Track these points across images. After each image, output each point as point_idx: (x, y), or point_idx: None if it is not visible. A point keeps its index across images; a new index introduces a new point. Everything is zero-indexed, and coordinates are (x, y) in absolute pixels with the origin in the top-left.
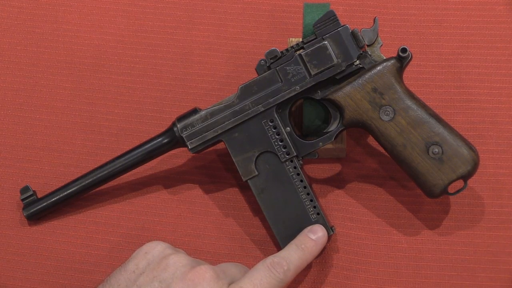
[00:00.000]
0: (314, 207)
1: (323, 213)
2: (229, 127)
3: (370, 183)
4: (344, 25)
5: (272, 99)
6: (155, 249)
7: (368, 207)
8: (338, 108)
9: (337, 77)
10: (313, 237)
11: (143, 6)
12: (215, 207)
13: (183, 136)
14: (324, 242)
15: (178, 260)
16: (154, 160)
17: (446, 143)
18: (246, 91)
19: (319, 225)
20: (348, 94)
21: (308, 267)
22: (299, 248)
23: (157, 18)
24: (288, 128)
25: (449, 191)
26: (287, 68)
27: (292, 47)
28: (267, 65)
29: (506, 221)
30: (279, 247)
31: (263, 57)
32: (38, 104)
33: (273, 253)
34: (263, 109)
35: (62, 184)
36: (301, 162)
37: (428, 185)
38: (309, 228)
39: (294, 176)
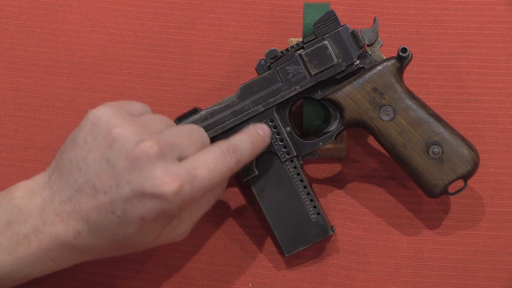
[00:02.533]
0: (314, 207)
1: (323, 213)
2: (229, 127)
3: (370, 183)
4: (344, 25)
5: (272, 99)
6: (101, 118)
7: (368, 207)
8: (338, 108)
9: (337, 77)
10: (262, 134)
11: (143, 6)
12: (215, 207)
13: None
14: (267, 144)
15: (123, 134)
16: None
17: (446, 143)
18: (246, 91)
19: (266, 125)
20: (348, 94)
21: (309, 266)
22: (251, 141)
23: (157, 18)
24: (288, 128)
25: (449, 191)
26: (287, 68)
27: (292, 47)
28: (267, 65)
29: (506, 221)
30: (279, 247)
31: (263, 57)
32: (38, 104)
33: (273, 253)
34: (263, 109)
35: None
36: (301, 162)
37: (428, 185)
38: (257, 124)
39: (294, 176)
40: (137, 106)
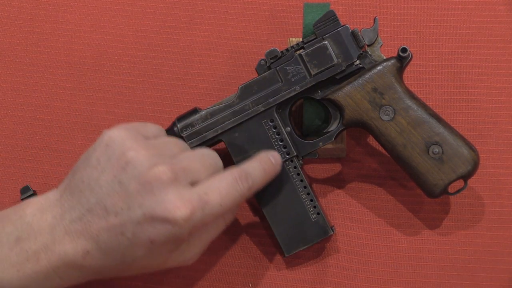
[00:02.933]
0: (314, 207)
1: (323, 213)
2: (229, 127)
3: (370, 183)
4: (344, 25)
5: (272, 99)
6: (115, 141)
7: (368, 207)
8: (338, 108)
9: (337, 77)
10: (273, 161)
11: (143, 6)
12: None
13: (183, 136)
14: (278, 171)
15: (137, 158)
16: None
17: (446, 143)
18: (246, 91)
19: (277, 153)
20: (348, 94)
21: (309, 266)
22: (262, 168)
23: (157, 18)
24: (288, 128)
25: (449, 191)
26: (287, 68)
27: (292, 47)
28: (267, 65)
29: (506, 221)
30: (279, 247)
31: (263, 57)
32: (38, 104)
33: (273, 253)
34: (263, 109)
35: None
36: (301, 162)
37: (428, 185)
38: (269, 151)
39: (294, 176)
40: (152, 129)
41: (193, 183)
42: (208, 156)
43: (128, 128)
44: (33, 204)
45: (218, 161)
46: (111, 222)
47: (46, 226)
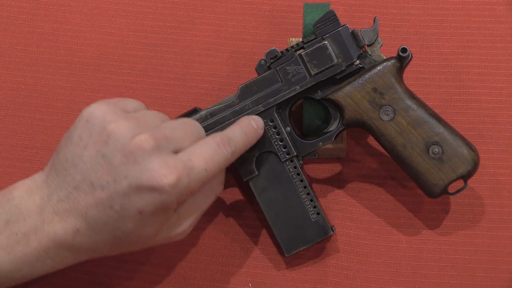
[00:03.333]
0: (314, 207)
1: (323, 213)
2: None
3: (370, 183)
4: (344, 25)
5: (272, 99)
6: (95, 115)
7: (368, 207)
8: (338, 108)
9: (337, 77)
10: (255, 125)
11: (143, 6)
12: (215, 207)
13: None
14: (260, 135)
15: (118, 129)
16: None
17: (446, 143)
18: (246, 91)
19: (259, 117)
20: (348, 94)
21: (309, 266)
22: (244, 133)
23: (157, 18)
24: (288, 128)
25: (449, 191)
26: (287, 68)
27: (292, 47)
28: (267, 65)
29: (506, 221)
30: (279, 247)
31: (263, 57)
32: (38, 104)
33: (273, 253)
34: (263, 109)
35: None
36: (301, 162)
37: (428, 185)
38: (251, 116)
39: (294, 176)
40: (131, 103)
41: (176, 151)
42: (189, 124)
43: (107, 102)
44: (20, 187)
45: (200, 129)
46: (98, 197)
47: (35, 208)
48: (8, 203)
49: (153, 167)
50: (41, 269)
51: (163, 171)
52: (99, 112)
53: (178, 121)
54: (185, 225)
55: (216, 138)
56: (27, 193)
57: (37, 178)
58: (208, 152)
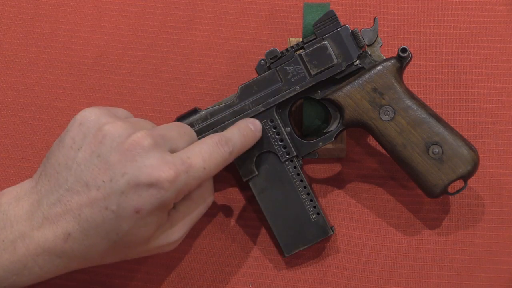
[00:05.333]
0: (314, 207)
1: (323, 213)
2: (229, 127)
3: (370, 183)
4: (344, 25)
5: (272, 99)
6: (89, 118)
7: (368, 207)
8: (338, 108)
9: (337, 77)
10: (253, 128)
11: (143, 6)
12: (215, 207)
13: None
14: (258, 138)
15: (114, 129)
16: None
17: (446, 143)
18: (246, 91)
19: (257, 120)
20: (348, 94)
21: (309, 266)
22: (242, 134)
23: (157, 18)
24: (288, 128)
25: (449, 191)
26: (287, 68)
27: (292, 47)
28: (267, 65)
29: (506, 221)
30: (279, 247)
31: (263, 57)
32: (38, 104)
33: (273, 253)
34: (263, 109)
35: None
36: (301, 162)
37: (428, 185)
38: (249, 119)
39: (294, 176)
40: (121, 111)
41: (172, 151)
42: (182, 126)
43: (100, 108)
44: (8, 193)
45: (193, 132)
46: (93, 197)
47: (23, 214)
48: None
49: (151, 164)
50: (28, 278)
51: (162, 167)
52: (93, 115)
53: (170, 124)
54: (176, 234)
55: (214, 138)
56: (15, 199)
57: (26, 184)
58: (207, 151)
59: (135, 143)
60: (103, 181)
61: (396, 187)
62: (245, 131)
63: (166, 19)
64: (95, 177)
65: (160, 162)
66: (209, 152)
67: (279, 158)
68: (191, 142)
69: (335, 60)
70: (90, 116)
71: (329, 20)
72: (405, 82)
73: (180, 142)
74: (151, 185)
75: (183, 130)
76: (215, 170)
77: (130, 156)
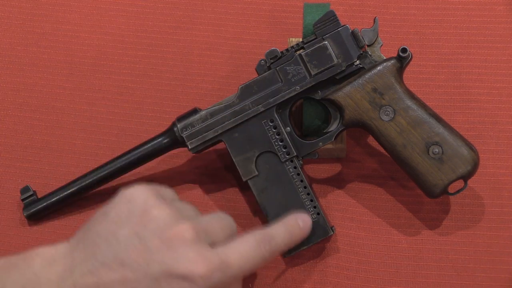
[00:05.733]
0: (314, 207)
1: (323, 213)
2: (229, 127)
3: (370, 183)
4: (344, 25)
5: (272, 99)
6: (138, 197)
7: (368, 207)
8: (338, 108)
9: (337, 77)
10: (301, 225)
11: (143, 6)
12: (215, 207)
13: (183, 136)
14: (306, 235)
15: (160, 215)
16: (154, 160)
17: (446, 143)
18: (246, 91)
19: (307, 214)
20: (348, 94)
21: (309, 266)
22: (288, 232)
23: (157, 18)
24: (288, 128)
25: (449, 191)
26: (287, 68)
27: (292, 47)
28: (267, 65)
29: (506, 221)
30: None
31: (263, 57)
32: (38, 104)
33: None
34: (263, 109)
35: (62, 184)
36: (301, 162)
37: (428, 185)
38: (299, 215)
39: (294, 176)
40: (168, 192)
41: (212, 245)
42: (224, 219)
43: (149, 187)
44: (42, 254)
45: (234, 224)
46: (126, 276)
47: (55, 278)
48: (27, 269)
49: (189, 257)
50: None
51: (199, 263)
52: (142, 195)
53: (214, 214)
54: None
55: (257, 236)
56: (49, 262)
57: (61, 248)
58: (247, 251)
59: (178, 234)
60: (139, 264)
61: (396, 187)
62: (292, 228)
63: (166, 19)
64: (132, 258)
65: (198, 257)
66: (249, 252)
67: (279, 158)
68: (232, 235)
69: (335, 60)
70: (139, 195)
71: (329, 20)
72: (405, 82)
73: (221, 235)
74: (185, 278)
75: (225, 223)
76: (252, 270)
77: (171, 246)
